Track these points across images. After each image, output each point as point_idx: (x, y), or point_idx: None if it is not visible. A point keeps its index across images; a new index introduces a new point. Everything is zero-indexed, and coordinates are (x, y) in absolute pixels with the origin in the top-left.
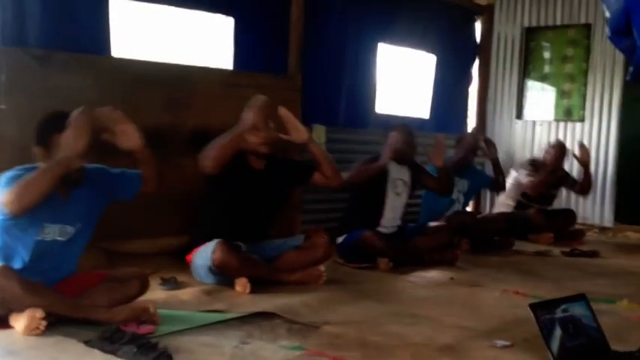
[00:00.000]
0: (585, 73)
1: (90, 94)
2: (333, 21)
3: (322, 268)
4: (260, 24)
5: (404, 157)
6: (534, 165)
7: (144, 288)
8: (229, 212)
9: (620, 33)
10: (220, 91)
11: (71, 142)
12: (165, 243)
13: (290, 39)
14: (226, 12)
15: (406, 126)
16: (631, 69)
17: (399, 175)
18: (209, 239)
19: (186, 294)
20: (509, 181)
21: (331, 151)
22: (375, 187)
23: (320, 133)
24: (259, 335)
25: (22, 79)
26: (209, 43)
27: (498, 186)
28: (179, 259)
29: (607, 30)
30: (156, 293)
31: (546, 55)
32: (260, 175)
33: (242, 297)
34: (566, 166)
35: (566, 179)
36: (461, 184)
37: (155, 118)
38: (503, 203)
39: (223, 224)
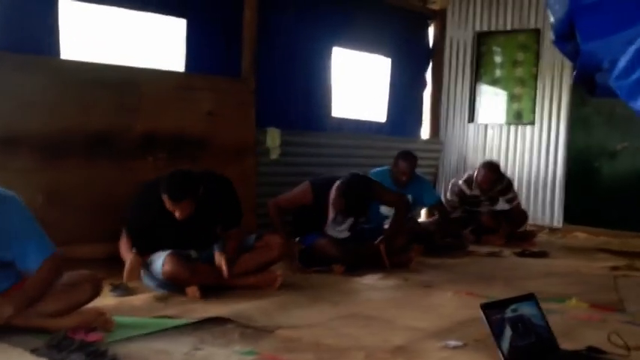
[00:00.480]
0: (535, 77)
1: (39, 96)
2: (287, 24)
3: (279, 272)
4: (213, 26)
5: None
6: (469, 182)
7: (96, 292)
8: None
9: (564, 37)
10: (172, 94)
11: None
12: (117, 248)
13: (243, 41)
14: (178, 14)
15: (351, 185)
16: (575, 72)
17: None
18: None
19: (137, 300)
20: (449, 195)
21: (287, 154)
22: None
23: (275, 136)
24: (212, 341)
25: None
26: (161, 45)
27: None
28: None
29: (551, 35)
30: (106, 299)
31: (497, 59)
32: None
33: (195, 303)
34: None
35: (504, 193)
36: None
37: (105, 121)
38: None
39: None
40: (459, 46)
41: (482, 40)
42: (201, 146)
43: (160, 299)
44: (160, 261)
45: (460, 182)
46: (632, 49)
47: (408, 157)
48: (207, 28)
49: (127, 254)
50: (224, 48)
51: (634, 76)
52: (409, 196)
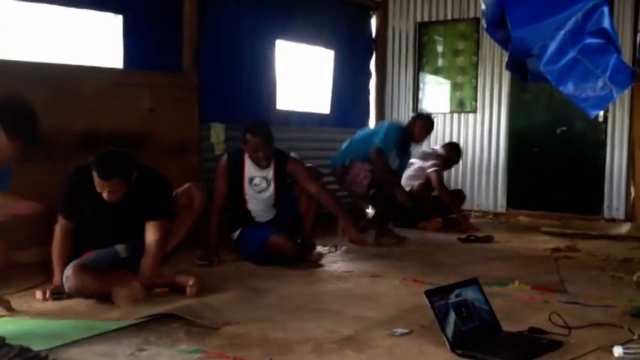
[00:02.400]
0: (476, 66)
1: None
2: (229, 18)
3: (191, 281)
4: (151, 21)
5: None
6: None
7: None
8: (92, 231)
9: (495, 25)
10: (111, 91)
11: None
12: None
13: (184, 36)
14: (115, 10)
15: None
16: (507, 59)
17: (257, 174)
18: (81, 249)
19: (79, 304)
20: (410, 170)
21: (232, 149)
22: (232, 190)
23: (219, 131)
24: (156, 341)
25: None
26: (98, 42)
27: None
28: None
29: (483, 22)
30: (47, 305)
31: (439, 48)
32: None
33: (138, 303)
34: None
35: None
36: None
37: (41, 120)
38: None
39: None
40: (401, 36)
41: (424, 30)
42: (142, 144)
43: (102, 301)
44: (65, 274)
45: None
46: (560, 34)
47: (430, 122)
48: (146, 24)
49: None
50: (163, 44)
51: (563, 61)
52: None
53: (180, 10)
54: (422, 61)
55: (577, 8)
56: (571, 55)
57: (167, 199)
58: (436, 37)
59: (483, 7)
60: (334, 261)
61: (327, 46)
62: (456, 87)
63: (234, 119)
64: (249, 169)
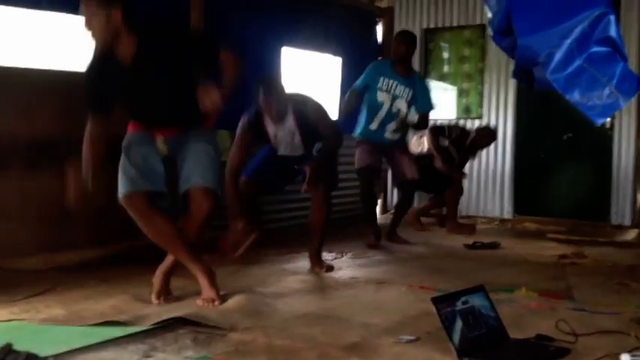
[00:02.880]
0: (482, 72)
1: None
2: (234, 26)
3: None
4: None
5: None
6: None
7: None
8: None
9: (501, 33)
10: None
11: None
12: (64, 258)
13: None
14: None
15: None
16: (513, 67)
17: (279, 129)
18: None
19: (87, 311)
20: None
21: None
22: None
23: (224, 138)
24: (162, 347)
25: None
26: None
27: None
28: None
29: (489, 30)
30: (54, 310)
31: (445, 55)
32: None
33: (148, 308)
34: None
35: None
36: (402, 91)
37: (48, 128)
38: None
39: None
40: None
41: (430, 37)
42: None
43: (111, 307)
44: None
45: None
46: (566, 42)
47: (403, 34)
48: None
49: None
50: None
51: (569, 69)
52: (408, 91)
53: (187, 18)
54: (428, 68)
55: (583, 17)
56: (577, 63)
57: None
58: (442, 44)
59: (489, 15)
60: (340, 267)
61: (334, 52)
62: (462, 93)
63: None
64: (271, 126)
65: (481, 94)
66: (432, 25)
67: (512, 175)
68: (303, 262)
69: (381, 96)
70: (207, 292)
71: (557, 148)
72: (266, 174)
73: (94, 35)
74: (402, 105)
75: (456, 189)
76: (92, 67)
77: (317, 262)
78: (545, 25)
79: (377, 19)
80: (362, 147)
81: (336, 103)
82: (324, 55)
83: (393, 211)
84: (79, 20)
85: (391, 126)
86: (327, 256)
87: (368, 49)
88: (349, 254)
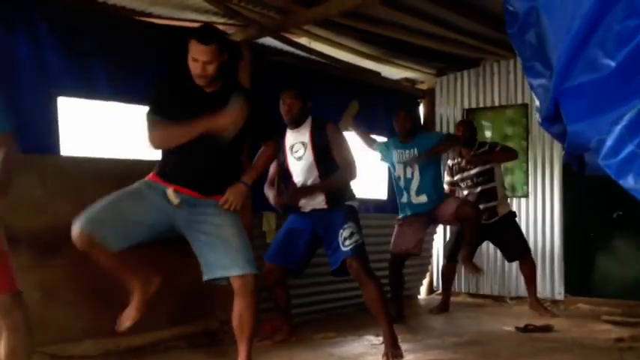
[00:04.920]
0: (526, 150)
1: (35, 194)
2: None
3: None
4: None
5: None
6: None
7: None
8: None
9: (550, 119)
10: None
11: None
12: (113, 344)
13: None
14: None
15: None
16: (564, 153)
17: (295, 140)
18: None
19: None
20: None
21: None
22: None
23: (270, 219)
24: None
25: None
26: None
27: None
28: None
29: (537, 117)
30: None
31: (487, 134)
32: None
33: None
34: None
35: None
36: (410, 154)
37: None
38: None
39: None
40: (449, 121)
41: (471, 116)
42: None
43: None
44: None
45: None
46: (617, 128)
47: (398, 113)
48: None
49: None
50: None
51: (622, 155)
52: (414, 149)
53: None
54: None
55: (634, 104)
56: (629, 149)
57: (264, 114)
58: (484, 123)
59: (537, 102)
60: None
61: (381, 132)
62: (506, 172)
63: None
64: (289, 136)
65: (526, 172)
66: (473, 106)
67: (562, 254)
68: (350, 347)
69: (398, 168)
70: None
71: (607, 226)
72: (287, 252)
73: (206, 66)
74: (411, 169)
75: (532, 265)
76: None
77: (392, 346)
78: (594, 112)
79: (419, 100)
80: (399, 228)
81: (384, 183)
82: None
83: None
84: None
85: (414, 188)
86: (374, 340)
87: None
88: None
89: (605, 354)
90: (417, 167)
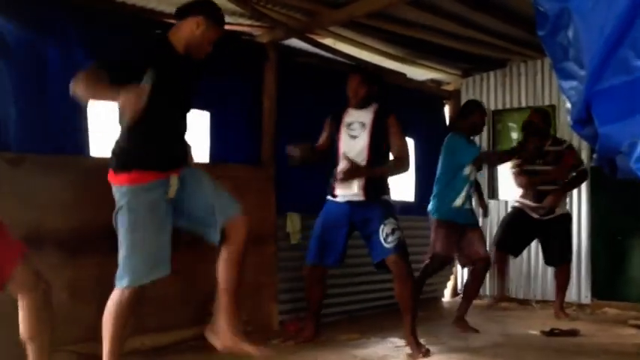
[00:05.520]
0: None
1: (63, 195)
2: (304, 112)
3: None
4: (234, 117)
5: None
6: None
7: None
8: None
9: (581, 122)
10: None
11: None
12: (138, 343)
13: (263, 130)
14: (203, 107)
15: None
16: (595, 155)
17: (355, 118)
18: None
19: None
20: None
21: (307, 238)
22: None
23: (295, 221)
24: None
25: None
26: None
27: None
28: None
29: (569, 119)
30: None
31: (514, 135)
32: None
33: None
34: None
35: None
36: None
37: None
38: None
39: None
40: None
41: (497, 117)
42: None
43: None
44: None
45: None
46: None
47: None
48: (229, 120)
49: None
50: (245, 137)
51: None
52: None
53: (261, 106)
54: (496, 148)
55: None
56: None
57: None
58: (510, 124)
59: (568, 105)
60: (412, 355)
61: (407, 134)
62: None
63: (309, 209)
64: (350, 113)
65: None
66: (499, 107)
67: (589, 258)
68: (374, 349)
69: (468, 168)
70: None
71: (635, 229)
72: (325, 251)
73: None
74: (464, 174)
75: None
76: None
77: (417, 346)
78: (626, 115)
79: (444, 102)
80: (442, 231)
81: (411, 183)
82: None
83: (461, 294)
84: None
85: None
86: (397, 342)
87: (437, 131)
88: (420, 340)
89: (632, 359)
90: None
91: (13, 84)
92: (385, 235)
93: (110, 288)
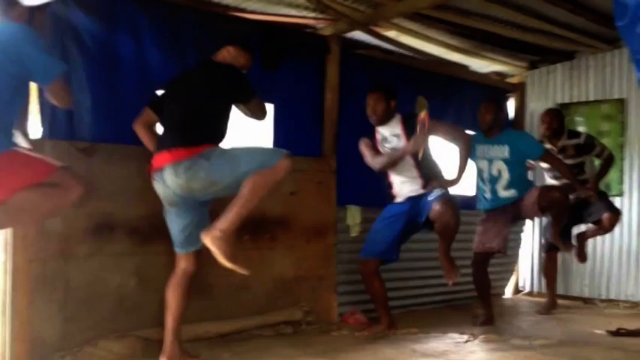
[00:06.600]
0: (622, 148)
1: (134, 183)
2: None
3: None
4: (297, 110)
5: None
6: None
7: (86, 193)
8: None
9: None
10: None
11: None
12: (203, 330)
13: (325, 122)
14: (267, 100)
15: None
16: None
17: (386, 132)
18: None
19: None
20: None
21: (367, 232)
22: None
23: (355, 213)
24: None
25: None
26: (251, 129)
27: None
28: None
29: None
30: None
31: (581, 129)
32: None
33: None
34: None
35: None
36: (496, 151)
37: None
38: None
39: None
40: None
41: (564, 111)
42: (282, 226)
43: None
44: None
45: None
46: None
47: (486, 105)
48: (293, 112)
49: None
50: (307, 129)
51: None
52: (506, 147)
53: (323, 99)
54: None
55: None
56: None
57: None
58: (577, 119)
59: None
60: (473, 351)
61: (468, 127)
62: None
63: (370, 202)
64: (380, 131)
65: (621, 170)
66: (566, 100)
67: None
68: (433, 344)
69: (480, 163)
70: None
71: None
72: (381, 244)
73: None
74: (500, 166)
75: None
76: None
77: (449, 263)
78: None
79: (507, 95)
80: (483, 225)
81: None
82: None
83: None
84: None
85: (501, 185)
86: (457, 338)
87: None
88: (481, 337)
89: None
90: (505, 166)
91: (87, 76)
92: (431, 196)
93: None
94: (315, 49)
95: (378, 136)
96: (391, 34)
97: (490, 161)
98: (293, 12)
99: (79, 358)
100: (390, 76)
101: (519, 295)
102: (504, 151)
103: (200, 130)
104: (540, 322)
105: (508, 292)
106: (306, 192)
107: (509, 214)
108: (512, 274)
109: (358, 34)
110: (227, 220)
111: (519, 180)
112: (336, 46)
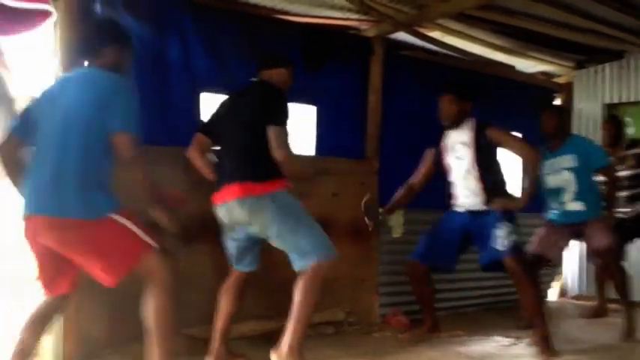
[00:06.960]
0: None
1: (182, 186)
2: (408, 107)
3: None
4: (340, 112)
5: None
6: None
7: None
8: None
9: None
10: None
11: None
12: (248, 328)
13: (368, 124)
14: (310, 102)
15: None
16: None
17: (456, 139)
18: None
19: None
20: None
21: (409, 233)
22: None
23: (398, 214)
24: None
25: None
26: (296, 131)
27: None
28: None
29: None
30: None
31: (630, 130)
32: None
33: None
34: None
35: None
36: (562, 161)
37: None
38: None
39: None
40: (588, 117)
41: (613, 111)
42: (324, 226)
43: None
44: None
45: None
46: None
47: (550, 109)
48: (336, 114)
49: None
50: (350, 131)
51: None
52: (573, 155)
53: (366, 100)
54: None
55: None
56: None
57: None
58: (627, 119)
59: None
60: (517, 355)
61: (515, 128)
62: None
63: (412, 203)
64: (450, 136)
65: None
66: (614, 100)
67: None
68: (478, 347)
69: (547, 177)
70: None
71: None
72: (435, 252)
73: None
74: (567, 176)
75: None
76: None
77: (545, 348)
78: None
79: (554, 95)
80: (541, 230)
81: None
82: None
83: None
84: None
85: (568, 196)
86: (503, 341)
87: None
88: (527, 340)
89: None
90: (572, 176)
91: (137, 79)
92: (499, 237)
93: (220, 274)
94: (358, 51)
95: (447, 141)
96: (435, 34)
97: (557, 172)
98: (337, 14)
99: (126, 355)
100: (434, 77)
101: (564, 299)
102: (571, 160)
103: (267, 163)
104: (589, 327)
105: (553, 295)
106: (348, 193)
107: (572, 232)
108: (556, 277)
109: (402, 35)
110: (291, 335)
111: (589, 192)
112: (379, 47)
